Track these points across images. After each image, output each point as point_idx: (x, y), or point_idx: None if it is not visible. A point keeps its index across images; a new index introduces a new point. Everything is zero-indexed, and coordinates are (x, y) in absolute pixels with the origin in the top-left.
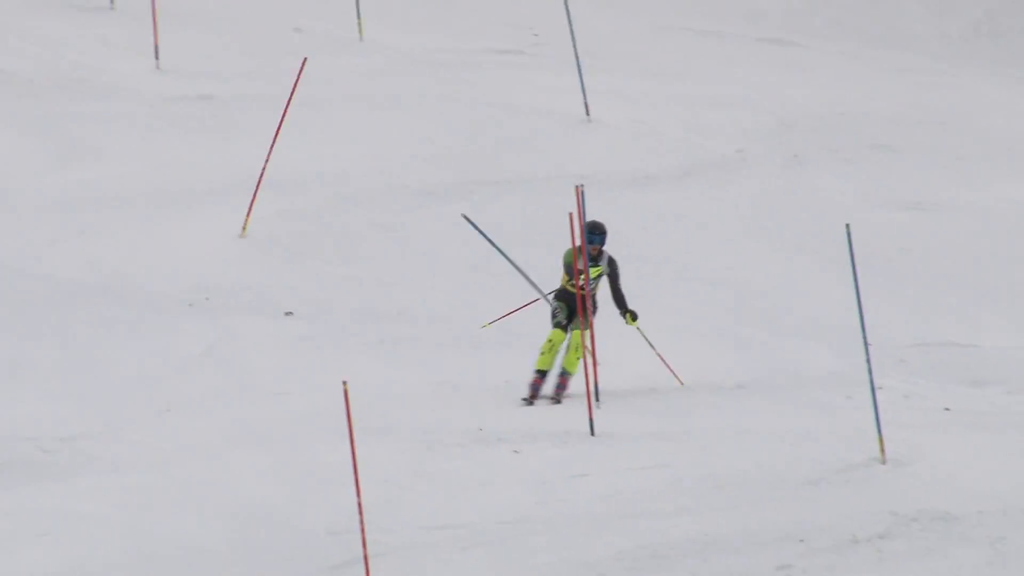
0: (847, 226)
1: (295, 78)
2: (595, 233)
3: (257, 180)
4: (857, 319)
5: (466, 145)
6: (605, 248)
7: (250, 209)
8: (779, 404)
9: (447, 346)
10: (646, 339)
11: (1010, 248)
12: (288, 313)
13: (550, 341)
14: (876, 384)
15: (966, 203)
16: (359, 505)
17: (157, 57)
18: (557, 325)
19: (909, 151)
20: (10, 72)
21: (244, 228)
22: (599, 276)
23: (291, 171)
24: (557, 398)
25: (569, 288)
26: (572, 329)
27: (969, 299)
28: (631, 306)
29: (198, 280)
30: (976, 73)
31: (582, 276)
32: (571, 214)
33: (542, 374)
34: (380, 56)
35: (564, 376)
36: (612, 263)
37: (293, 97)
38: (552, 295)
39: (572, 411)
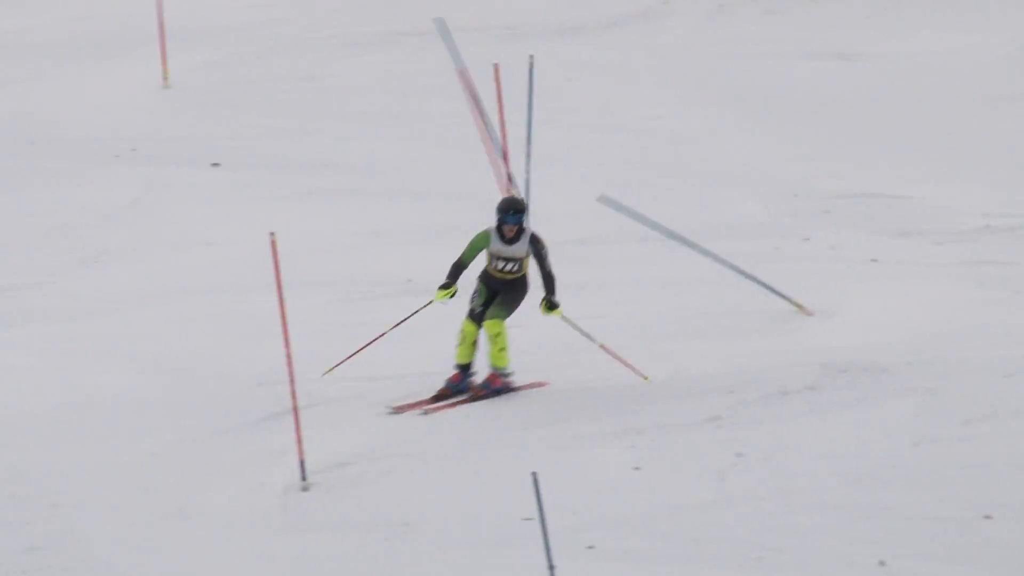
0: None
1: None
2: (509, 212)
3: (160, 29)
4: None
5: None
6: (527, 226)
7: (163, 58)
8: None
9: (375, 196)
10: (579, 330)
11: (936, 98)
12: (215, 164)
13: (463, 332)
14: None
15: (892, 52)
16: (288, 356)
17: None
18: (468, 313)
19: (834, 0)
20: None
21: (166, 78)
22: (521, 259)
23: (215, 21)
24: (491, 391)
25: (491, 271)
26: (488, 318)
27: (896, 150)
28: (562, 293)
29: (123, 130)
30: None
31: (502, 261)
32: (496, 65)
33: (462, 368)
34: None
35: (495, 374)
36: (536, 242)
37: None
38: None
39: None
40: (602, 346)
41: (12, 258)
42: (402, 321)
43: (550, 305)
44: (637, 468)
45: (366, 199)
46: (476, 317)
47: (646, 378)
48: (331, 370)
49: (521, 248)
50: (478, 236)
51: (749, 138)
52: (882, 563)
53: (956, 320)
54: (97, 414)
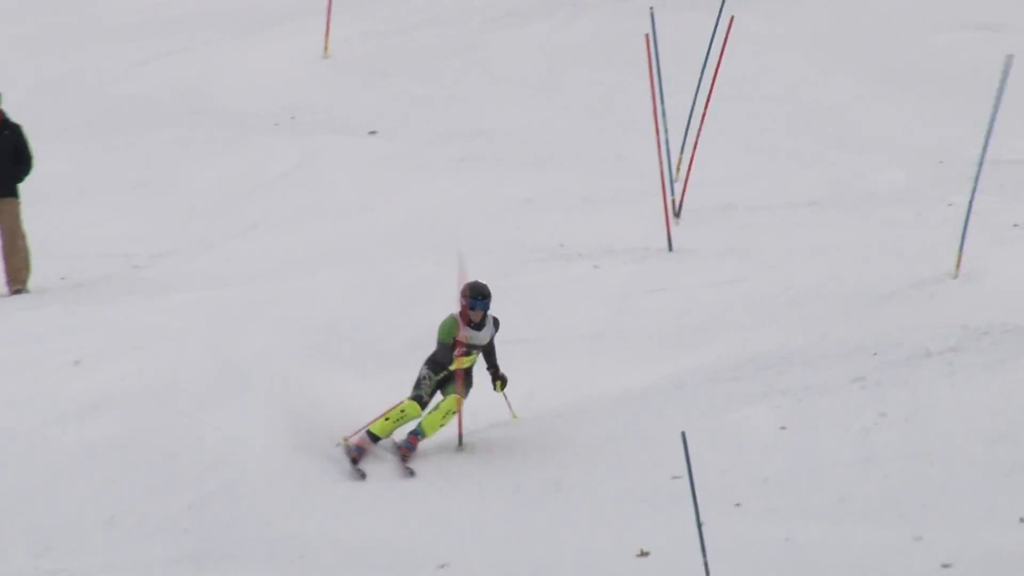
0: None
1: None
2: (477, 298)
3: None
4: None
5: None
6: (489, 312)
7: (327, 30)
8: (852, 221)
9: (526, 164)
10: (508, 405)
11: None
12: (372, 132)
13: (402, 411)
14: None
15: None
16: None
17: None
18: (416, 398)
19: None
20: None
21: (326, 49)
22: (482, 347)
23: None
24: (407, 467)
25: (445, 359)
26: (450, 393)
27: None
28: (504, 371)
29: (284, 100)
30: None
31: (464, 348)
32: (647, 36)
33: (374, 439)
34: None
35: (416, 436)
36: (497, 325)
37: None
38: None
39: (650, 227)
40: (514, 416)
41: (173, 226)
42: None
43: (503, 383)
44: (783, 428)
45: (519, 166)
46: (423, 404)
47: (514, 417)
48: (346, 440)
49: (486, 334)
50: (446, 322)
51: (892, 107)
52: (1023, 520)
53: None
54: (253, 375)
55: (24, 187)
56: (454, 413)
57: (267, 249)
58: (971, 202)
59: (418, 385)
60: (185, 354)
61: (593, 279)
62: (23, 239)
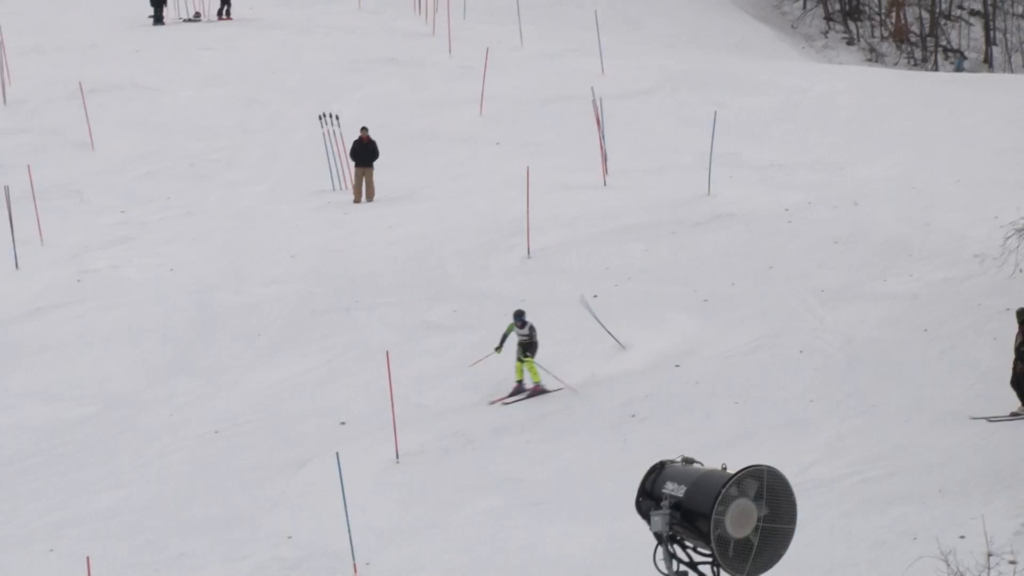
0: None
1: None
2: (518, 317)
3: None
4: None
5: None
6: (527, 320)
7: (481, 109)
8: (675, 174)
9: (551, 155)
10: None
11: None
12: (497, 143)
13: (517, 368)
14: (703, 167)
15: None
16: (527, 213)
17: None
18: (518, 359)
19: None
20: None
21: (481, 112)
22: (530, 335)
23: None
24: (540, 391)
25: (519, 341)
26: (528, 359)
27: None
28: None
29: (463, 132)
30: None
31: (521, 335)
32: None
33: (519, 383)
34: None
35: (536, 386)
36: (532, 328)
37: None
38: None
39: (596, 177)
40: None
41: (421, 178)
42: (483, 358)
43: (528, 355)
44: (646, 251)
45: (548, 155)
46: (520, 359)
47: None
48: (476, 363)
49: (526, 331)
50: (508, 327)
51: (696, 133)
52: (704, 297)
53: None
54: (451, 232)
55: (376, 163)
56: (534, 367)
57: (457, 186)
58: (710, 167)
59: (517, 355)
60: (425, 224)
61: (574, 195)
62: (373, 183)
